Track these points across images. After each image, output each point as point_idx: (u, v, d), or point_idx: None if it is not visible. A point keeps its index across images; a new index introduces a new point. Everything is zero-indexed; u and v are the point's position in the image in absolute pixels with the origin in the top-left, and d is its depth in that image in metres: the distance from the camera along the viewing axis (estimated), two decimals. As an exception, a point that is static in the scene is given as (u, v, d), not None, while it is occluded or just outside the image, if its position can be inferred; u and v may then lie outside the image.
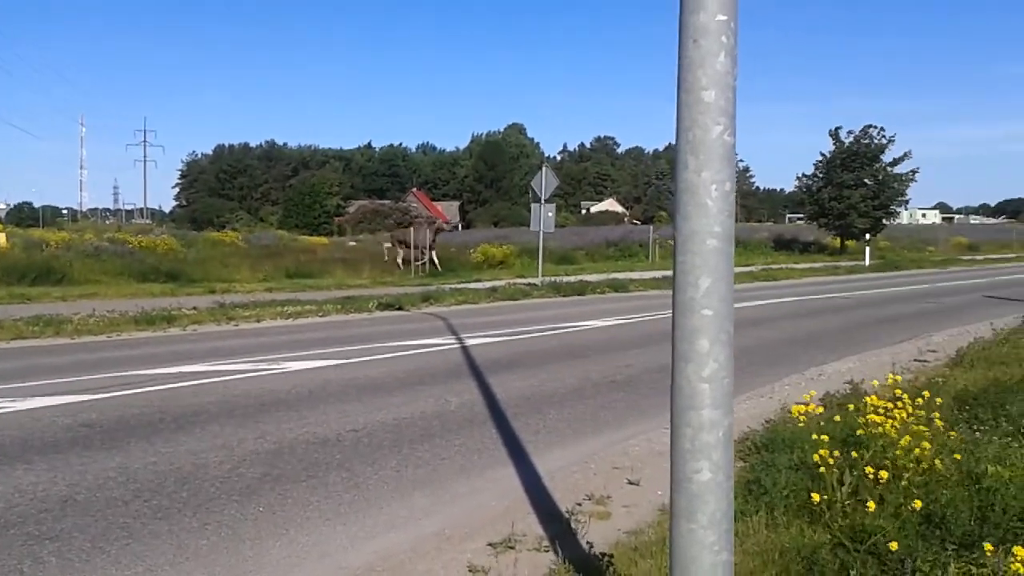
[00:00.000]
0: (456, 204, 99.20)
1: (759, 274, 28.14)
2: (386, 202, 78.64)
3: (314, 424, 7.37)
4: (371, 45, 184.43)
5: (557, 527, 4.83)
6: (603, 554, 4.15)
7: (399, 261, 28.39)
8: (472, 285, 22.33)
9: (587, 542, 4.43)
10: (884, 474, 3.89)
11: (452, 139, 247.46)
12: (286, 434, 7.02)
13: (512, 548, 4.50)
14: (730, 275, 2.41)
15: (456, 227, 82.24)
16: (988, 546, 3.05)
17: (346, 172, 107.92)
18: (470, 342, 12.34)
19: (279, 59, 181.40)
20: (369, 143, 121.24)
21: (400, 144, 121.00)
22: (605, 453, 6.62)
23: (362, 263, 28.36)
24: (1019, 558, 2.91)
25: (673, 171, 2.46)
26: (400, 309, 17.15)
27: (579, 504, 5.28)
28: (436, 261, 28.57)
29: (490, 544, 4.57)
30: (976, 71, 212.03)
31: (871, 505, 3.73)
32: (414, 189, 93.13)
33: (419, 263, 27.65)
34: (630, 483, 5.79)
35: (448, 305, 18.23)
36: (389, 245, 29.82)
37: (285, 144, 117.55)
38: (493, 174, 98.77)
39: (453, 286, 21.95)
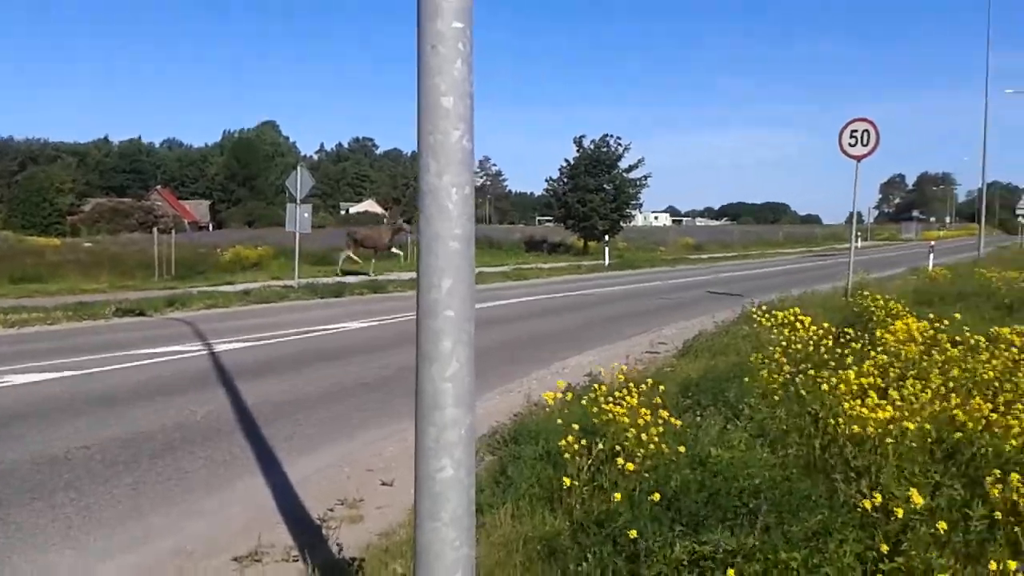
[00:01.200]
0: (206, 203, 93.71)
1: (511, 274, 29.25)
2: (127, 200, 72.73)
3: (39, 443, 6.66)
4: (107, 32, 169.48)
5: (308, 535, 4.72)
6: (354, 558, 4.12)
7: (346, 259, 28.39)
8: (223, 288, 21.21)
9: (338, 547, 4.38)
10: (621, 460, 4.20)
11: (201, 135, 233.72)
12: (6, 454, 6.30)
13: (259, 561, 4.34)
14: (471, 277, 2.47)
15: (207, 227, 77.78)
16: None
17: (80, 168, 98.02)
18: (219, 348, 11.72)
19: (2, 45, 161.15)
20: (106, 137, 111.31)
21: (141, 139, 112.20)
22: (359, 455, 6.58)
23: (100, 266, 25.93)
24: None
25: (417, 175, 2.49)
26: (142, 315, 15.92)
27: (331, 510, 5.21)
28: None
29: (235, 559, 4.38)
30: (702, 83, 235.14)
31: (617, 496, 3.95)
32: (158, 187, 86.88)
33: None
34: (384, 484, 5.79)
35: (196, 309, 17.18)
36: (349, 253, 28.88)
37: (11, 137, 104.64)
38: (246, 172, 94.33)
39: (202, 289, 20.73)
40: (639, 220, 76.93)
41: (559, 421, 4.95)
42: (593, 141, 44.45)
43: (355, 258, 28.61)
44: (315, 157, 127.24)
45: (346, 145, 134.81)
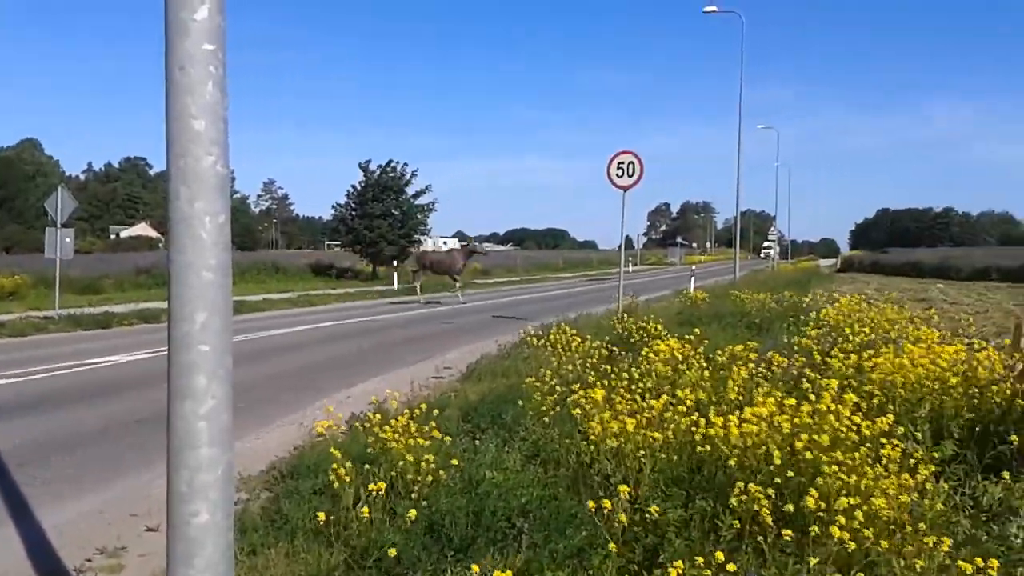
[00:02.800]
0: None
1: (298, 300, 28.37)
2: None
3: None
4: None
5: (58, 591, 4.29)
6: (108, 614, 3.78)
7: (418, 286, 27.85)
8: (-33, 322, 18.91)
9: (91, 602, 4.01)
10: (382, 485, 4.16)
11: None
12: None
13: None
14: (228, 309, 2.37)
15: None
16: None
17: None
18: (-46, 388, 10.41)
19: None
20: None
21: None
22: (125, 499, 6.09)
23: None
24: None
25: (165, 201, 2.35)
26: None
27: (89, 560, 4.79)
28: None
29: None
30: (490, 113, 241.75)
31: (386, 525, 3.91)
32: None
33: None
34: (149, 529, 5.39)
35: (-70, 345, 15.20)
36: (414, 268, 28.83)
37: None
38: (4, 193, 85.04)
39: (-58, 322, 18.37)
40: (428, 245, 77.49)
41: (335, 452, 4.85)
42: (379, 166, 44.36)
43: (414, 283, 28.37)
44: (82, 177, 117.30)
45: (116, 165, 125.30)
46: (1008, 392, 5.44)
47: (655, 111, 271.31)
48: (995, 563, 3.10)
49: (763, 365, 6.39)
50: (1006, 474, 4.46)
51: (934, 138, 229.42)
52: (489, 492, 4.19)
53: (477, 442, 5.68)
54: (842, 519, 3.21)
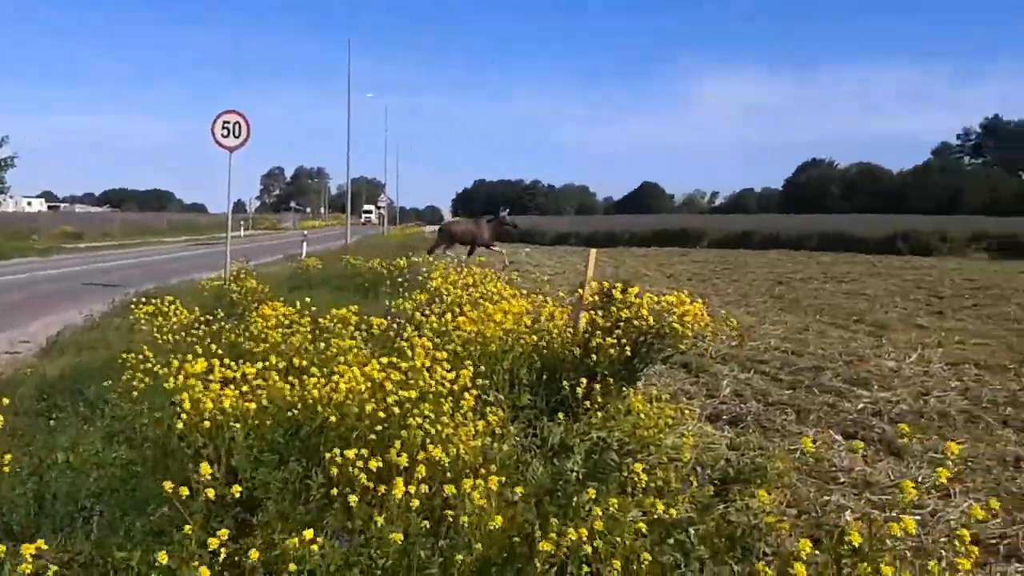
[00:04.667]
0: None
1: None
2: None
3: None
4: None
5: None
6: None
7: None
8: None
9: None
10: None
11: None
12: None
13: None
14: None
15: None
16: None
17: None
18: None
19: None
20: None
21: None
22: None
23: None
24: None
25: None
26: None
27: None
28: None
29: None
30: (74, 63, 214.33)
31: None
32: None
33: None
34: None
35: None
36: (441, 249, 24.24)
37: None
38: None
39: None
40: (9, 206, 67.19)
41: None
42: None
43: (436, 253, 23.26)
44: None
45: None
46: (567, 342, 6.30)
47: (268, 73, 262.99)
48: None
49: (364, 327, 6.59)
50: (561, 415, 5.18)
51: (524, 117, 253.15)
52: (53, 477, 3.81)
53: (52, 422, 5.11)
54: (422, 469, 3.46)
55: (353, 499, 3.32)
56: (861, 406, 7.53)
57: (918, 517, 4.91)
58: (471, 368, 4.71)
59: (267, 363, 4.97)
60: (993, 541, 4.66)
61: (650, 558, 3.24)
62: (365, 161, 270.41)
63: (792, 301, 16.35)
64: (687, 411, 6.06)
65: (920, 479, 5.50)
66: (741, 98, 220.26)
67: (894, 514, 4.94)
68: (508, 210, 26.09)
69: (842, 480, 5.51)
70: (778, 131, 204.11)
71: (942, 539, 4.60)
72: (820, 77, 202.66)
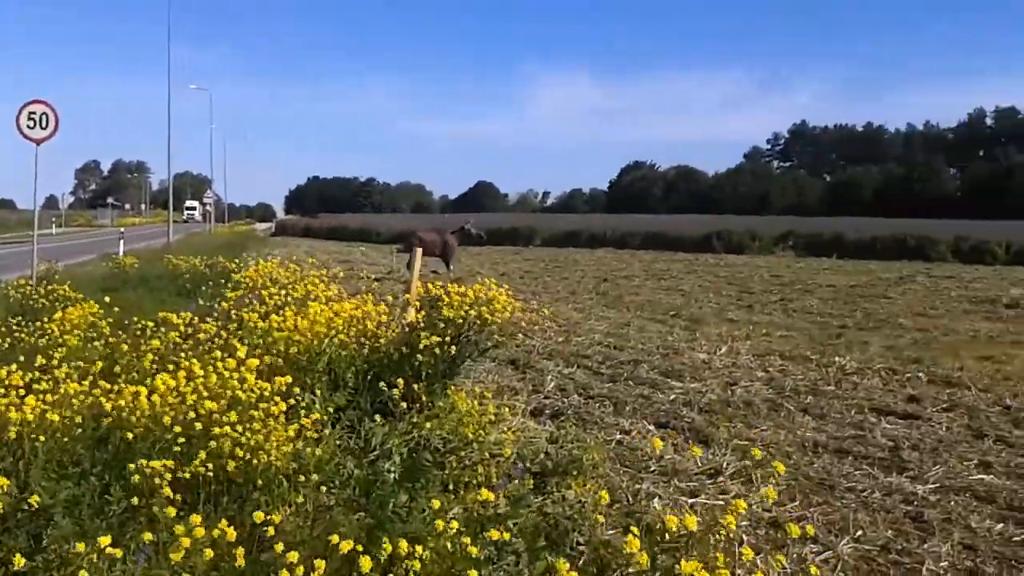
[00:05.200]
0: None
1: None
2: None
3: None
4: None
5: None
6: None
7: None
8: None
9: None
10: None
11: None
12: None
13: None
14: None
15: None
16: None
17: None
18: None
19: None
20: None
21: None
22: None
23: None
24: None
25: None
26: None
27: None
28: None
29: None
30: None
31: None
32: None
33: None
34: None
35: None
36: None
37: None
38: None
39: None
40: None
41: None
42: None
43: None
44: None
45: None
46: (393, 342, 6.30)
47: (84, 59, 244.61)
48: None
49: (181, 330, 6.30)
50: (379, 417, 5.18)
51: (360, 114, 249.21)
52: None
53: None
54: (233, 468, 3.36)
55: (156, 511, 3.18)
56: (673, 397, 7.99)
57: (720, 502, 5.27)
58: (288, 374, 4.62)
59: (65, 370, 4.66)
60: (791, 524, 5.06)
61: (466, 556, 3.30)
62: (191, 156, 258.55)
63: (616, 298, 17.04)
64: (507, 408, 6.20)
65: (725, 466, 5.91)
66: (572, 100, 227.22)
67: (701, 500, 5.32)
68: (471, 221, 24.50)
69: (653, 468, 5.83)
70: (606, 133, 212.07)
71: (744, 523, 4.98)
72: (643, 81, 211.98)
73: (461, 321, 6.43)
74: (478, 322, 6.54)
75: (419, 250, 9.24)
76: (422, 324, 6.46)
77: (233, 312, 7.07)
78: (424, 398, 5.71)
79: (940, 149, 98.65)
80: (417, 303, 7.09)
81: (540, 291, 18.20)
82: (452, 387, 6.19)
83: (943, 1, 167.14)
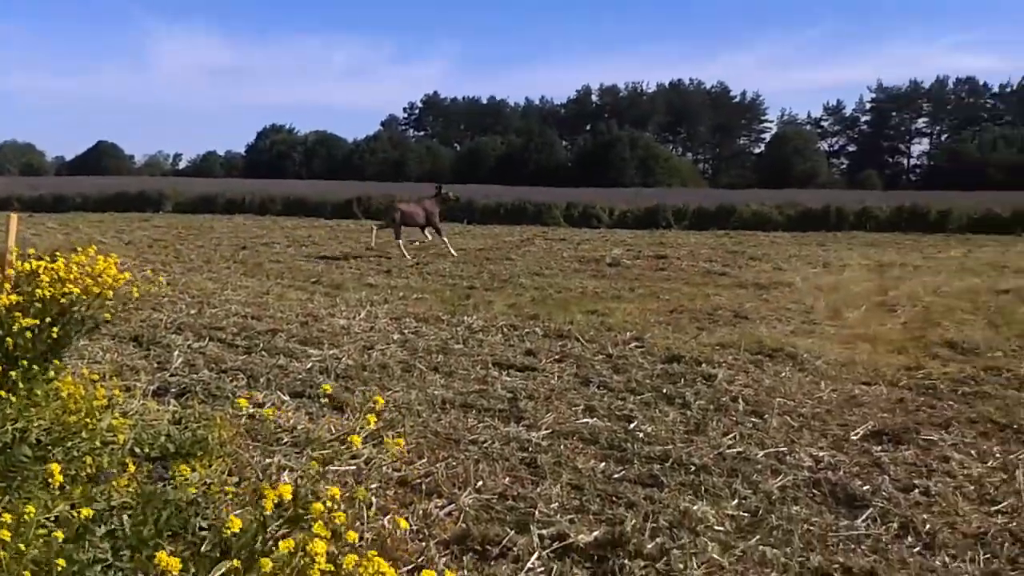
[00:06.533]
0: None
1: None
2: None
3: None
4: None
5: None
6: None
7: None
8: None
9: None
10: None
11: None
12: None
13: None
14: None
15: None
16: None
17: None
18: None
19: None
20: None
21: None
22: None
23: None
24: None
25: None
26: None
27: None
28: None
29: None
30: None
31: None
32: None
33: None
34: None
35: None
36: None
37: None
38: None
39: None
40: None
41: None
42: None
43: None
44: None
45: None
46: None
47: None
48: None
49: None
50: None
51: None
52: None
53: None
54: None
55: None
56: (310, 365, 7.93)
57: (353, 467, 5.36)
58: None
59: None
60: (419, 481, 5.27)
61: (64, 563, 2.97)
62: None
63: (255, 265, 16.45)
64: (118, 390, 5.67)
65: (358, 430, 6.00)
66: (199, 58, 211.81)
67: (333, 467, 5.36)
68: (440, 185, 20.27)
69: (285, 440, 5.75)
70: (240, 95, 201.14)
71: (373, 485, 5.10)
72: (272, 43, 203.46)
73: (62, 299, 5.73)
74: (85, 297, 5.88)
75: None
76: (13, 305, 5.65)
77: None
78: (21, 385, 5.03)
79: (554, 123, 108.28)
80: (8, 284, 6.19)
81: (171, 260, 16.96)
82: (55, 371, 5.53)
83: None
